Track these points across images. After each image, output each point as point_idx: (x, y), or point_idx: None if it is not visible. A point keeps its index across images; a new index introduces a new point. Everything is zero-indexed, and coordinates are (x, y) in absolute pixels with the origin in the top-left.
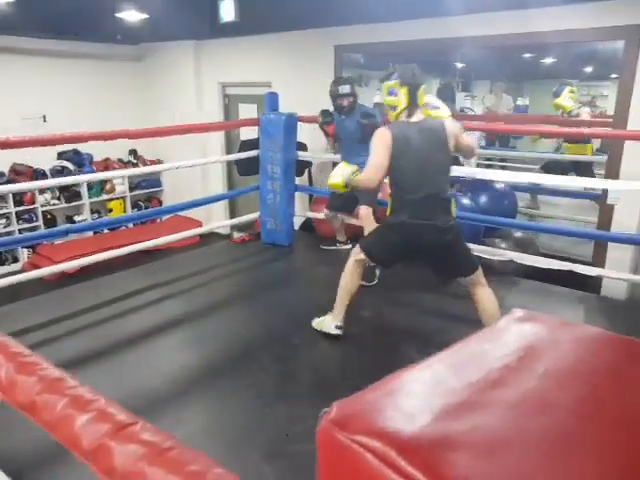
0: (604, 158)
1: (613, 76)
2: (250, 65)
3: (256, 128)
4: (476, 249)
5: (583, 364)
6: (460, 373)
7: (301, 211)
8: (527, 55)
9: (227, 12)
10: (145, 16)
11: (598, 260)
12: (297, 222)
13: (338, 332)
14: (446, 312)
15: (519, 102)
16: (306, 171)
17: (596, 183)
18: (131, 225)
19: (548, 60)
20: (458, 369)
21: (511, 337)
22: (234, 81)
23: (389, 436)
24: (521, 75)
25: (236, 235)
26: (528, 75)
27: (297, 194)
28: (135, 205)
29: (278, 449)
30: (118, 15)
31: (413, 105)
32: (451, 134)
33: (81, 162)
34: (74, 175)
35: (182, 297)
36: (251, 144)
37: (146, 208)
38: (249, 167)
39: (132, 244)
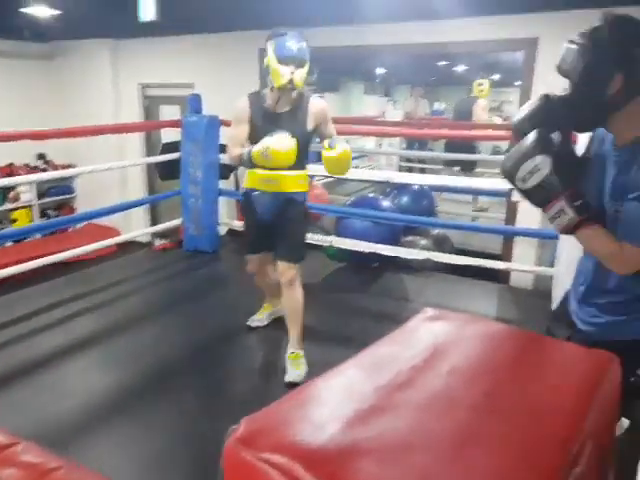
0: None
1: (517, 83)
2: (172, 66)
3: (179, 130)
4: (394, 250)
5: (487, 360)
6: (371, 377)
7: (229, 218)
8: (442, 63)
9: (146, 11)
10: (57, 12)
11: (506, 254)
12: (223, 230)
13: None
14: (370, 312)
15: (435, 106)
16: (232, 175)
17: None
18: (39, 236)
19: (460, 67)
20: (369, 373)
21: (420, 337)
22: (155, 82)
23: (296, 450)
24: (437, 81)
25: (157, 243)
26: (443, 81)
27: (224, 200)
28: (44, 214)
29: (202, 468)
30: (24, 10)
31: None
32: None
33: None
34: None
35: (97, 312)
36: (173, 147)
37: (56, 217)
38: (171, 171)
39: (40, 257)
